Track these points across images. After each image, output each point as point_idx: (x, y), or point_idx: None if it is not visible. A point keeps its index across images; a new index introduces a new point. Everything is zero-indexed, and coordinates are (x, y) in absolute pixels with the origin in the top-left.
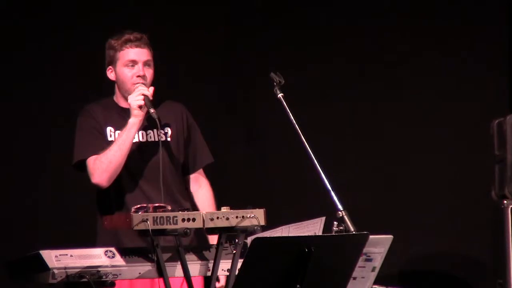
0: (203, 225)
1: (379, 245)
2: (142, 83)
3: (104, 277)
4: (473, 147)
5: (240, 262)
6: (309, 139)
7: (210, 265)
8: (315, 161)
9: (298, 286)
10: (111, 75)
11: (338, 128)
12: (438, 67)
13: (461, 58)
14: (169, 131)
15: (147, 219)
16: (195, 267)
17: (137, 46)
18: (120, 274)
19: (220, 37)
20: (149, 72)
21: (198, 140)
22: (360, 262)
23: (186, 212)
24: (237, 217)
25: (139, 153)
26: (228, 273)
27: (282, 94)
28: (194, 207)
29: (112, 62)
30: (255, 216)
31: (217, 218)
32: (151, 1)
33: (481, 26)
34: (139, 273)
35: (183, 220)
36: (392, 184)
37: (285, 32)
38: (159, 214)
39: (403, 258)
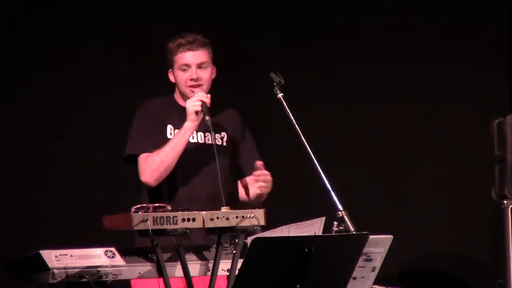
0: (203, 225)
1: (379, 245)
2: (196, 85)
3: (104, 277)
4: (473, 147)
5: (240, 262)
6: (309, 139)
7: (210, 265)
8: (315, 161)
9: (298, 286)
10: (171, 77)
11: (338, 128)
12: (438, 67)
13: (461, 58)
14: (225, 136)
15: (147, 219)
16: (195, 267)
17: (189, 50)
18: (120, 274)
19: (220, 37)
20: (204, 74)
21: (251, 149)
22: (360, 262)
23: (186, 212)
24: (237, 217)
25: (196, 154)
26: (228, 273)
27: (282, 94)
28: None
29: (171, 65)
30: (255, 216)
31: (217, 218)
32: (151, 1)
33: (481, 26)
34: (139, 273)
35: (183, 220)
36: (392, 184)
37: (285, 32)
38: (159, 214)
39: (403, 258)
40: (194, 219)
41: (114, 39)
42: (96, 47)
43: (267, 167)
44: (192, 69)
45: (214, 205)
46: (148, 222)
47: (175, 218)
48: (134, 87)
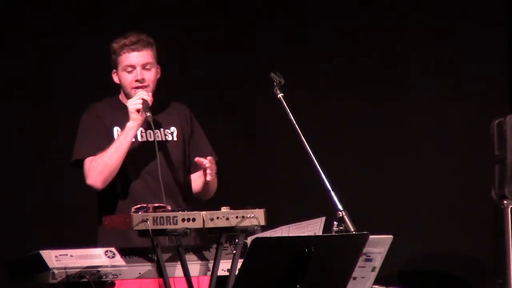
0: (203, 225)
1: (379, 245)
2: (142, 86)
3: (104, 277)
4: (473, 147)
5: (240, 262)
6: (309, 139)
7: (210, 265)
8: (315, 161)
9: (298, 286)
10: (115, 78)
11: (338, 128)
12: (438, 67)
13: (461, 58)
14: (175, 130)
15: (147, 219)
16: (195, 267)
17: (133, 50)
18: (120, 274)
19: (220, 37)
20: (149, 75)
21: (202, 139)
22: (360, 262)
23: (186, 212)
24: (237, 217)
25: (145, 151)
26: (228, 273)
27: (282, 94)
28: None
29: (115, 66)
30: (255, 216)
31: (217, 218)
32: (151, 1)
33: (481, 26)
34: (139, 273)
35: (183, 220)
36: (392, 184)
37: (285, 32)
38: (159, 214)
39: (403, 258)
40: (194, 219)
41: (113, 39)
42: (96, 47)
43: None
44: (137, 70)
45: (174, 202)
46: (148, 222)
47: (175, 218)
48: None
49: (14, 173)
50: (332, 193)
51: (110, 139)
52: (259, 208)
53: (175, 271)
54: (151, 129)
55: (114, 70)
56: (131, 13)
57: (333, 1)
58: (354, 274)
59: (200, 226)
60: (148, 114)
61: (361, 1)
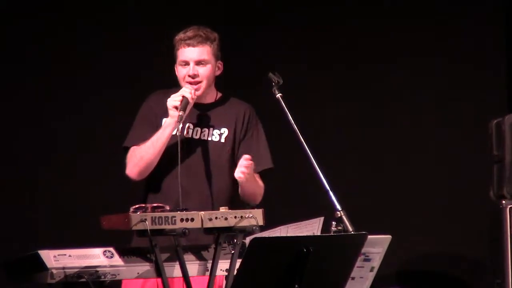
0: (202, 225)
1: (377, 245)
2: (194, 82)
3: (102, 277)
4: (472, 147)
5: (238, 262)
6: (308, 139)
7: (209, 265)
8: (314, 161)
9: (296, 286)
10: (176, 71)
11: (337, 128)
12: (437, 67)
13: (461, 58)
14: (225, 131)
15: (145, 219)
16: (193, 267)
17: (188, 45)
18: (118, 274)
19: (220, 37)
20: (203, 71)
21: (259, 144)
22: (359, 262)
23: (184, 212)
24: (235, 217)
25: (187, 150)
26: (226, 273)
27: (280, 94)
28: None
29: (175, 59)
30: (254, 216)
31: (216, 218)
32: (151, 1)
33: (481, 26)
34: (138, 273)
35: (182, 220)
36: (391, 184)
37: (285, 32)
38: (157, 214)
39: (402, 258)
40: (192, 219)
41: (113, 39)
42: (96, 47)
43: None
44: (190, 66)
45: (202, 202)
46: (147, 222)
47: (173, 218)
48: (132, 87)
49: (14, 173)
50: (331, 193)
51: (157, 130)
52: (258, 208)
53: (174, 271)
54: (199, 127)
55: (176, 63)
56: (131, 13)
57: (333, 1)
58: (352, 274)
59: (199, 226)
60: (181, 113)
61: (361, 1)
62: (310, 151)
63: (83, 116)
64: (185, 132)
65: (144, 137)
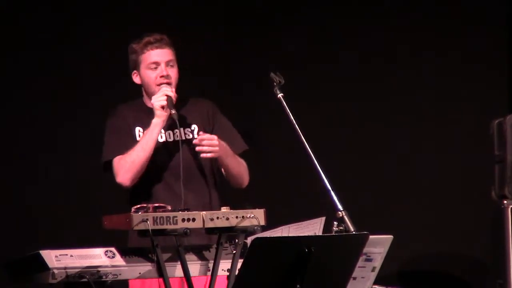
0: (203, 225)
1: (379, 245)
2: (167, 83)
3: (104, 277)
4: (473, 147)
5: (240, 262)
6: (309, 139)
7: (210, 265)
8: (315, 161)
9: (298, 286)
10: (136, 79)
11: (338, 128)
12: (438, 67)
13: (461, 58)
14: (195, 128)
15: (147, 219)
16: (195, 267)
17: (158, 47)
18: (120, 274)
19: (220, 36)
20: (172, 72)
21: (228, 131)
22: (360, 262)
23: (186, 212)
24: (237, 217)
25: (166, 152)
26: (228, 273)
27: (282, 94)
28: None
29: (136, 66)
30: (255, 216)
31: (217, 218)
32: (151, 1)
33: (481, 26)
34: (139, 273)
35: (183, 220)
36: (392, 184)
37: (285, 32)
38: (159, 214)
39: (403, 258)
40: (194, 219)
41: (113, 39)
42: (95, 48)
43: (267, 167)
44: (162, 66)
45: (199, 201)
46: (148, 222)
47: (175, 218)
48: (132, 86)
49: (14, 173)
50: (332, 193)
51: (133, 140)
52: (259, 208)
53: (175, 271)
54: (170, 129)
55: (135, 71)
56: (131, 13)
57: (333, 1)
58: (354, 274)
59: (200, 226)
60: (173, 111)
61: (361, 1)
62: (311, 151)
63: (83, 116)
64: (159, 138)
65: (123, 147)
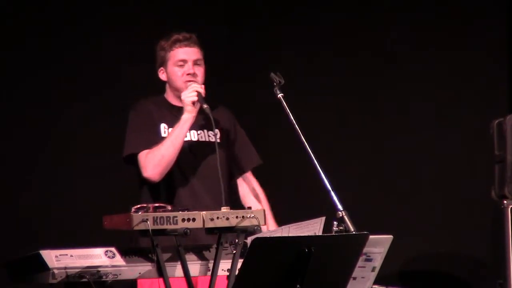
0: (203, 225)
1: (379, 245)
2: (193, 80)
3: (104, 277)
4: (473, 147)
5: (240, 262)
6: (309, 139)
7: (210, 265)
8: (315, 161)
9: (298, 286)
10: (162, 75)
11: (338, 128)
12: (438, 67)
13: (461, 58)
14: (218, 132)
15: (147, 219)
16: (195, 267)
17: (186, 46)
18: (120, 274)
19: (220, 37)
20: (199, 71)
21: (246, 146)
22: (360, 262)
23: (186, 212)
24: (237, 217)
25: (191, 152)
26: (228, 273)
27: (282, 94)
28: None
29: (163, 62)
30: (255, 216)
31: (217, 218)
32: (151, 1)
33: (481, 25)
34: (139, 273)
35: (183, 220)
36: (392, 184)
37: (285, 32)
38: (159, 214)
39: (403, 258)
40: (194, 219)
41: (113, 39)
42: (96, 47)
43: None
44: (189, 65)
45: (216, 203)
46: (148, 222)
47: (175, 218)
48: (132, 87)
49: (14, 172)
50: (332, 193)
51: (158, 136)
52: (259, 208)
53: (175, 271)
54: (194, 129)
55: (161, 68)
56: (131, 13)
57: (333, 1)
58: (354, 274)
59: (200, 226)
60: (206, 105)
61: (361, 1)
62: (311, 151)
63: (83, 116)
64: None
65: (150, 141)
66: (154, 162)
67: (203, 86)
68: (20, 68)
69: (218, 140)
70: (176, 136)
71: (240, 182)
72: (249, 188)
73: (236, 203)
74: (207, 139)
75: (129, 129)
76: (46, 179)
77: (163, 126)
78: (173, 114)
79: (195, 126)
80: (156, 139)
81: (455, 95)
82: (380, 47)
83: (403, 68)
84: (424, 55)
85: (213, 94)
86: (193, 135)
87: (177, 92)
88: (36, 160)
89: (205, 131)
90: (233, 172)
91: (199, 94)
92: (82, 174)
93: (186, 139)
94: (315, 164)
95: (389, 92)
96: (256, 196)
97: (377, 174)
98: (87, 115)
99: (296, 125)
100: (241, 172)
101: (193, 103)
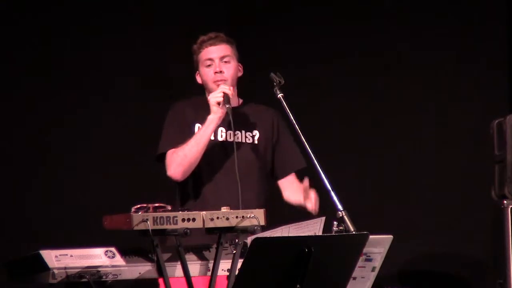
0: (203, 225)
1: (379, 245)
2: (222, 80)
3: (104, 277)
4: (473, 147)
5: (240, 262)
6: (309, 139)
7: (210, 265)
8: (315, 161)
9: (298, 286)
10: (198, 79)
11: (338, 128)
12: (438, 67)
13: (461, 58)
14: (257, 134)
15: (147, 219)
16: (195, 267)
17: (211, 45)
18: (120, 274)
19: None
20: (227, 68)
21: (289, 145)
22: (360, 262)
23: (186, 212)
24: (237, 217)
25: (223, 151)
26: (228, 273)
27: (282, 94)
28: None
29: (197, 66)
30: (255, 216)
31: (217, 218)
32: (151, 1)
33: (481, 25)
34: (139, 273)
35: (183, 220)
36: (392, 184)
37: (285, 32)
38: (159, 214)
39: (403, 258)
40: (194, 219)
41: (113, 39)
42: (95, 47)
43: None
44: (216, 63)
45: (237, 202)
46: (148, 222)
47: (175, 218)
48: (132, 87)
49: (14, 172)
50: (332, 193)
51: (192, 135)
52: (259, 208)
53: (175, 271)
54: (231, 129)
55: (197, 71)
56: (131, 13)
57: (333, 1)
58: (354, 274)
59: (200, 226)
60: (228, 105)
61: (361, 1)
62: (311, 151)
63: (83, 116)
64: (218, 136)
65: (179, 141)
66: (177, 161)
67: (231, 88)
68: (21, 69)
69: (256, 142)
70: (200, 136)
71: (284, 185)
72: (291, 192)
73: (277, 206)
74: (243, 140)
75: (163, 129)
76: (46, 179)
77: (197, 127)
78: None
79: (229, 126)
80: (187, 139)
81: (455, 95)
82: (380, 47)
83: (404, 68)
84: (424, 55)
85: None
86: (229, 136)
87: (210, 92)
88: (36, 160)
89: (243, 132)
90: (276, 174)
91: (225, 95)
92: (82, 174)
93: (221, 139)
94: (315, 164)
95: (389, 92)
96: (301, 192)
97: (377, 174)
98: (87, 115)
99: (296, 125)
100: (284, 175)
101: (219, 103)
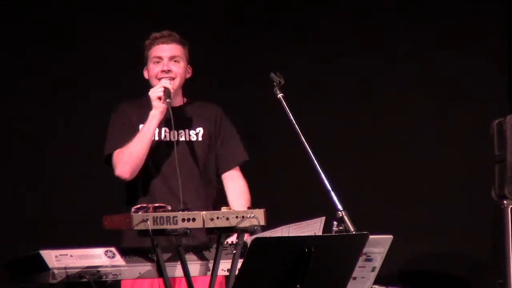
0: (203, 225)
1: (379, 245)
2: (168, 77)
3: (104, 277)
4: (473, 147)
5: (240, 262)
6: (309, 139)
7: (210, 265)
8: (315, 161)
9: (298, 286)
10: (145, 74)
11: (338, 128)
12: (438, 67)
13: (461, 58)
14: (201, 131)
15: (147, 219)
16: (195, 267)
17: (163, 43)
18: (120, 274)
19: (220, 36)
20: (176, 67)
21: (232, 139)
22: (360, 262)
23: (186, 212)
24: (237, 217)
25: (165, 151)
26: (228, 273)
27: (282, 94)
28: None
29: (146, 61)
30: (255, 216)
31: (217, 218)
32: (151, 1)
33: (481, 25)
34: (139, 273)
35: (183, 220)
36: (392, 184)
37: (285, 32)
38: (159, 214)
39: (403, 258)
40: (194, 219)
41: (113, 39)
42: (95, 47)
43: (267, 167)
44: (164, 61)
45: (189, 200)
46: (148, 222)
47: (175, 218)
48: (133, 87)
49: (14, 172)
50: (332, 193)
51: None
52: (259, 208)
53: (175, 271)
54: (174, 129)
55: (145, 67)
56: (131, 13)
57: (333, 1)
58: (354, 274)
59: (200, 226)
60: (168, 100)
61: (361, 1)
62: (311, 151)
63: (84, 116)
64: (162, 136)
65: (124, 142)
66: (123, 160)
67: (173, 83)
68: (24, 66)
69: (200, 138)
70: (144, 132)
71: (226, 179)
72: (233, 186)
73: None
74: (187, 138)
75: (108, 132)
76: (46, 179)
77: (141, 127)
78: None
79: (173, 125)
80: (131, 140)
81: (455, 95)
82: (380, 47)
83: (404, 68)
84: (424, 55)
85: (212, 94)
86: (173, 136)
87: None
88: (36, 160)
89: (187, 130)
90: (219, 169)
91: (166, 89)
92: (82, 173)
93: (164, 139)
94: (315, 164)
95: (389, 92)
96: (237, 194)
97: (377, 174)
98: (87, 115)
99: (296, 125)
100: (226, 169)
101: (160, 98)
